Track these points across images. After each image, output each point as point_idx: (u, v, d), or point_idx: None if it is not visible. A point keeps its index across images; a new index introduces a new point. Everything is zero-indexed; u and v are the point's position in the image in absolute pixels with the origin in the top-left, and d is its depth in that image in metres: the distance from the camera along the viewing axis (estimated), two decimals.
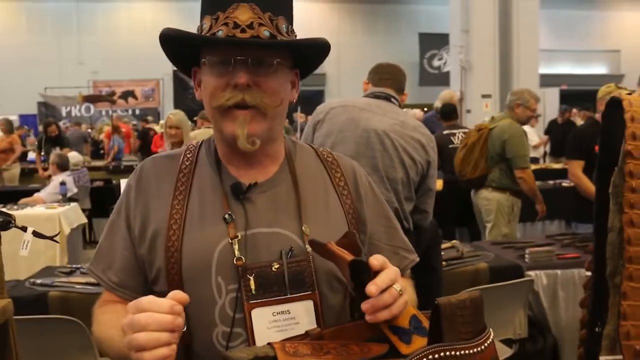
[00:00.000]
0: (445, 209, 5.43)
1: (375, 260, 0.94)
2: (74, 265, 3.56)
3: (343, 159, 1.27)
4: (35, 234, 1.26)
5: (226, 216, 1.10)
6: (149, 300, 0.89)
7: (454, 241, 3.65)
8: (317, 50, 1.15)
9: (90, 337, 2.52)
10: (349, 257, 0.94)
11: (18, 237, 1.77)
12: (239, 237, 1.08)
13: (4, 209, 1.30)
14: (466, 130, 6.10)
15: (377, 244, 1.22)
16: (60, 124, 12.19)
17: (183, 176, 1.16)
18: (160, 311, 0.87)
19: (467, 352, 0.88)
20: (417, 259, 1.28)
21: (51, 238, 1.31)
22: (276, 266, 1.07)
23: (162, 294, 1.10)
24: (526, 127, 9.63)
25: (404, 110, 2.81)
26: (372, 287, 0.91)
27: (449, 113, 6.11)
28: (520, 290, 2.99)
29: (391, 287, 0.93)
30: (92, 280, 3.09)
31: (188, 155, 1.20)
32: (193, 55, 1.14)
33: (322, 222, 1.14)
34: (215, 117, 1.11)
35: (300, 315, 1.07)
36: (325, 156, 1.24)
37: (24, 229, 1.19)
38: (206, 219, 1.11)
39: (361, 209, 1.21)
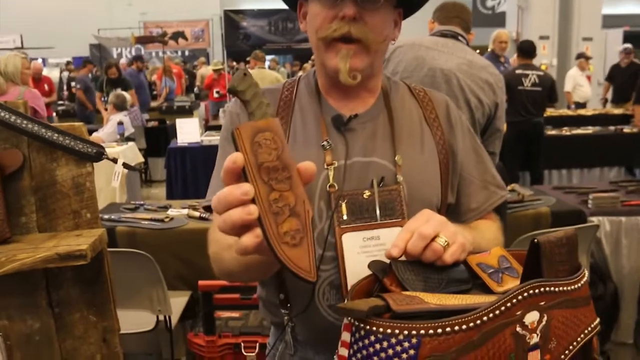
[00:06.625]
0: (508, 152, 5.29)
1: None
2: (137, 202, 3.67)
3: (435, 93, 1.28)
4: (125, 165, 1.30)
5: (324, 143, 1.13)
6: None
7: (514, 184, 3.58)
8: None
9: (159, 271, 2.62)
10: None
11: None
12: (336, 165, 1.11)
13: None
14: (540, 74, 5.70)
15: (467, 177, 1.24)
16: None
17: (284, 103, 1.20)
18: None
19: (565, 288, 0.87)
20: (507, 195, 1.30)
21: (137, 169, 1.33)
22: (367, 194, 1.09)
23: None
24: (573, 71, 9.15)
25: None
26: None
27: (529, 50, 5.66)
28: (584, 235, 2.93)
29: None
30: (157, 216, 3.19)
31: (287, 86, 1.24)
32: None
33: (415, 153, 1.18)
34: (319, 49, 1.14)
35: (390, 242, 1.06)
36: (418, 91, 1.26)
37: (115, 160, 1.23)
38: (309, 143, 1.15)
39: (453, 140, 1.22)
